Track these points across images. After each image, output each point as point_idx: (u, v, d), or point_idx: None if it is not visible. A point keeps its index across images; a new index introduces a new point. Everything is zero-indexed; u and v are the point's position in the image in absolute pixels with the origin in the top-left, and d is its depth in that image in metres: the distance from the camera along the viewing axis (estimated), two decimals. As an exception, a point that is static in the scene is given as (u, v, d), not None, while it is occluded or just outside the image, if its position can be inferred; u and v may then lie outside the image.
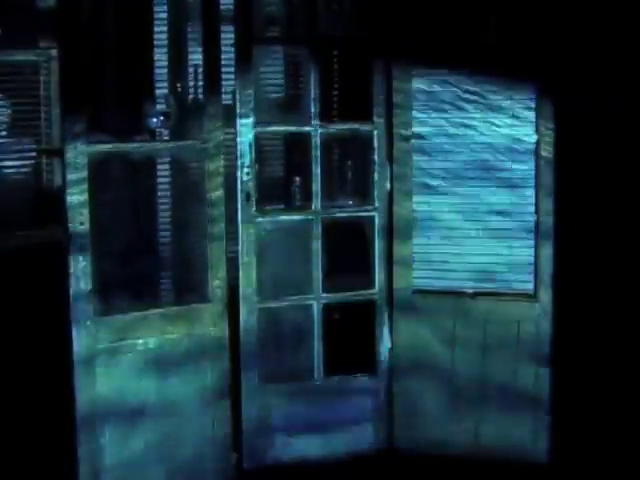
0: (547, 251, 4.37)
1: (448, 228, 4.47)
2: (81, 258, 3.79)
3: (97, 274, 3.84)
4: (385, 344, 4.55)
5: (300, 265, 4.50)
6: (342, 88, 4.88)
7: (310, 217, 4.45)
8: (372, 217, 4.52)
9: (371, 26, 4.44)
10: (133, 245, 4.21)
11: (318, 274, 4.44)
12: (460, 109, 4.42)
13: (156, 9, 4.28)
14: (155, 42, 4.30)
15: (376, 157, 4.49)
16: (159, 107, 4.15)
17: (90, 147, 3.79)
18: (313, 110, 4.39)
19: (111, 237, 4.04)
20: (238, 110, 4.28)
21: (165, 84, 4.30)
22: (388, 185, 4.50)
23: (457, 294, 4.48)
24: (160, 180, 4.39)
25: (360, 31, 4.56)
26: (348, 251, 4.64)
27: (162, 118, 4.12)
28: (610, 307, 4.79)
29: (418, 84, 4.42)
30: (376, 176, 4.49)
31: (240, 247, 4.34)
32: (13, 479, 4.22)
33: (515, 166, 4.40)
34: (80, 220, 3.78)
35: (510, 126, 4.38)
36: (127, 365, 3.93)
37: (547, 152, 4.34)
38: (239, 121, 4.28)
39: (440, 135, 4.45)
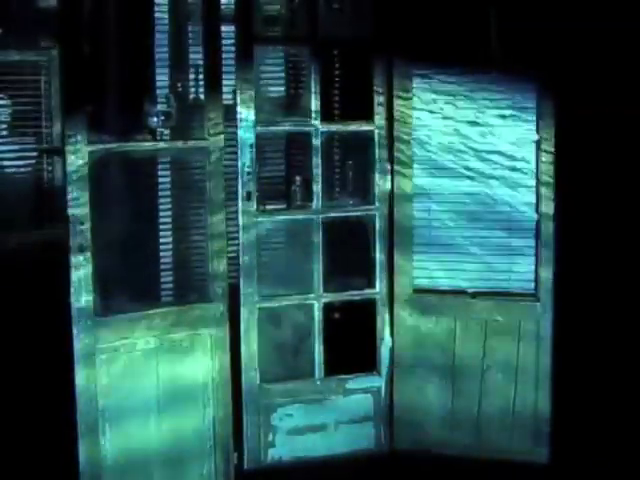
0: (548, 251, 4.37)
1: (449, 227, 4.47)
2: (82, 258, 3.79)
3: (97, 274, 3.84)
4: (386, 344, 4.55)
5: (301, 264, 4.50)
6: (343, 88, 4.88)
7: (311, 217, 4.45)
8: (372, 217, 4.52)
9: (372, 26, 4.44)
10: (134, 245, 4.20)
11: (319, 273, 4.44)
12: (461, 108, 4.42)
13: (157, 8, 4.28)
14: (156, 41, 4.30)
15: (377, 157, 4.48)
16: (160, 106, 4.14)
17: (91, 146, 3.78)
18: (314, 110, 4.39)
19: (112, 237, 4.03)
20: (239, 109, 4.28)
21: (166, 83, 4.30)
22: (389, 185, 4.49)
23: (458, 293, 4.48)
24: (161, 179, 4.38)
25: (361, 31, 4.56)
26: (349, 250, 4.64)
27: (163, 117, 4.12)
28: (612, 306, 4.80)
29: (419, 83, 4.42)
30: (377, 176, 4.49)
31: (241, 246, 4.34)
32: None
33: (516, 165, 4.40)
34: (81, 220, 3.78)
35: (511, 126, 4.38)
36: (128, 365, 3.93)
37: (548, 152, 4.34)
38: (240, 120, 4.28)
39: (441, 134, 4.45)
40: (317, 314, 4.46)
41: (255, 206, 4.34)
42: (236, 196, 4.31)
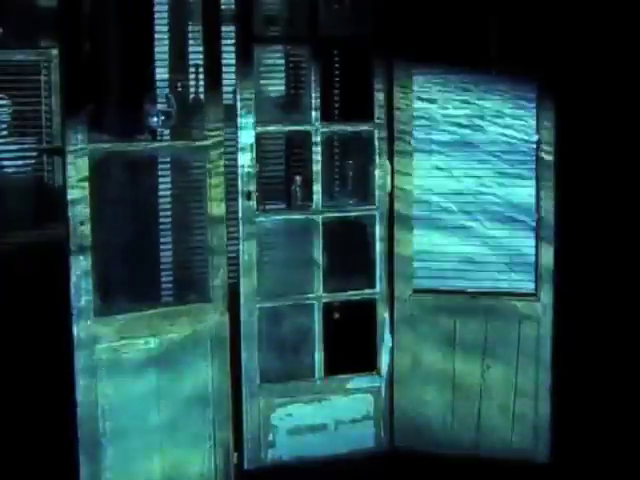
0: (548, 250, 4.37)
1: (449, 227, 4.47)
2: (82, 258, 3.79)
3: (98, 274, 3.84)
4: (386, 344, 4.55)
5: (301, 264, 4.50)
6: (343, 87, 4.88)
7: (311, 216, 4.45)
8: (373, 216, 4.52)
9: (372, 25, 4.44)
10: (134, 245, 4.20)
11: (319, 273, 4.44)
12: (461, 108, 4.42)
13: (157, 8, 4.29)
14: (156, 41, 4.30)
15: (377, 156, 4.49)
16: (160, 106, 4.14)
17: (91, 146, 3.78)
18: (314, 109, 4.39)
19: (112, 237, 4.03)
20: (239, 109, 4.28)
21: (166, 83, 4.30)
22: (389, 185, 4.49)
23: (458, 293, 4.48)
24: (161, 179, 4.39)
25: (361, 30, 4.56)
26: (349, 251, 4.64)
27: (163, 117, 4.11)
28: (612, 306, 4.79)
29: (419, 83, 4.42)
30: (377, 175, 4.49)
31: (241, 246, 4.34)
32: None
33: (516, 165, 4.40)
34: (81, 220, 3.78)
35: (511, 125, 4.38)
36: (128, 365, 3.93)
37: (548, 151, 4.34)
38: (240, 120, 4.28)
39: (441, 134, 4.45)
40: (317, 314, 4.46)
41: (255, 206, 4.35)
42: (236, 196, 4.31)
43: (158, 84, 4.28)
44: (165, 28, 4.33)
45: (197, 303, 4.13)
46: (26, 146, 5.65)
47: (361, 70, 4.55)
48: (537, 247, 4.39)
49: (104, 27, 4.17)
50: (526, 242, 4.41)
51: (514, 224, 4.42)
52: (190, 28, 4.34)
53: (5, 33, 5.56)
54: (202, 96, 4.23)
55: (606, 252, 4.81)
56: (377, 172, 4.49)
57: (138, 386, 3.95)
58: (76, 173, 3.76)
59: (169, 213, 4.41)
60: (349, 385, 4.55)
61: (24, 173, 5.69)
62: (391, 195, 4.50)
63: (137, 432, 3.97)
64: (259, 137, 4.36)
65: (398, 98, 4.43)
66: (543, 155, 4.35)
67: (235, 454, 4.29)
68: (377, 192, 4.50)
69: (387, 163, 4.49)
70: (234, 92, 4.30)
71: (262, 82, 4.76)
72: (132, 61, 4.24)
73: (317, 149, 4.40)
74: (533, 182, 4.38)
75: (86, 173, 3.77)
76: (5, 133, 5.64)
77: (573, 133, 4.50)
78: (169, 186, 4.39)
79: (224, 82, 4.13)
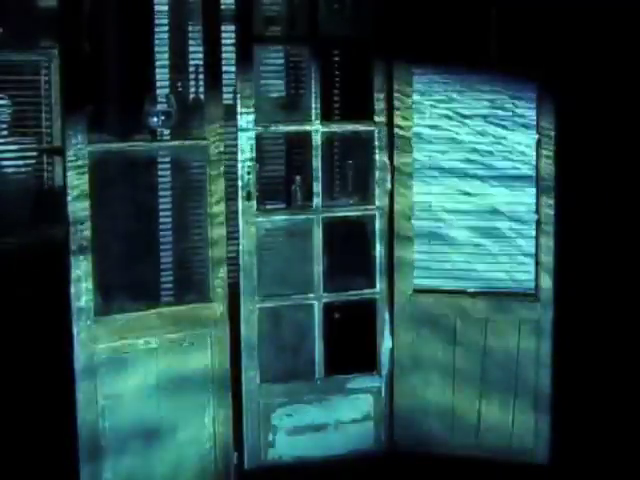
0: (548, 251, 4.37)
1: (449, 227, 4.47)
2: (82, 258, 3.79)
3: (98, 274, 3.84)
4: (386, 343, 4.55)
5: (301, 264, 4.50)
6: (343, 87, 4.88)
7: (311, 216, 4.45)
8: (373, 216, 4.52)
9: (372, 25, 4.44)
10: (134, 245, 4.20)
11: (319, 273, 4.44)
12: (461, 108, 4.42)
13: (157, 8, 4.29)
14: (156, 41, 4.30)
15: (377, 156, 4.49)
16: (160, 106, 4.14)
17: (91, 146, 3.79)
18: (314, 109, 4.38)
19: (112, 237, 4.03)
20: (239, 109, 4.28)
21: (166, 83, 4.30)
22: (389, 184, 4.50)
23: (458, 293, 4.48)
24: (161, 180, 4.39)
25: (361, 30, 4.57)
26: (349, 250, 4.64)
27: (163, 117, 4.11)
28: (612, 306, 4.79)
29: (419, 83, 4.42)
30: (377, 175, 4.49)
31: (241, 246, 4.34)
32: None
33: (516, 165, 4.40)
34: (81, 220, 3.78)
35: (511, 125, 4.38)
36: (128, 365, 3.93)
37: (547, 151, 4.34)
38: (240, 120, 4.28)
39: (441, 134, 4.45)
40: (317, 314, 4.46)
41: (255, 206, 4.35)
42: (236, 196, 4.31)
43: (158, 84, 4.29)
44: (165, 28, 4.33)
45: (197, 303, 4.13)
46: (26, 146, 5.65)
47: (361, 70, 4.55)
48: (537, 247, 4.39)
49: (104, 27, 4.18)
50: (526, 242, 4.41)
51: (514, 224, 4.42)
52: (190, 28, 4.34)
53: (5, 33, 5.55)
54: (202, 96, 4.23)
55: (607, 251, 4.82)
56: (377, 172, 4.49)
57: (138, 386, 3.95)
58: (76, 173, 3.76)
59: (169, 213, 4.41)
60: (349, 385, 4.55)
61: (24, 173, 5.68)
62: (391, 195, 4.50)
63: (137, 432, 3.97)
64: (259, 137, 4.36)
65: (398, 98, 4.43)
66: (543, 155, 4.35)
67: (235, 454, 4.29)
68: (377, 192, 4.50)
69: (387, 163, 4.49)
70: (234, 92, 4.30)
71: (262, 82, 4.76)
72: (132, 61, 4.24)
73: (317, 149, 4.40)
74: (533, 182, 4.38)
75: (86, 173, 3.77)
76: (5, 133, 5.63)
77: (573, 132, 4.50)
78: (169, 186, 4.40)
79: (224, 82, 4.13)
